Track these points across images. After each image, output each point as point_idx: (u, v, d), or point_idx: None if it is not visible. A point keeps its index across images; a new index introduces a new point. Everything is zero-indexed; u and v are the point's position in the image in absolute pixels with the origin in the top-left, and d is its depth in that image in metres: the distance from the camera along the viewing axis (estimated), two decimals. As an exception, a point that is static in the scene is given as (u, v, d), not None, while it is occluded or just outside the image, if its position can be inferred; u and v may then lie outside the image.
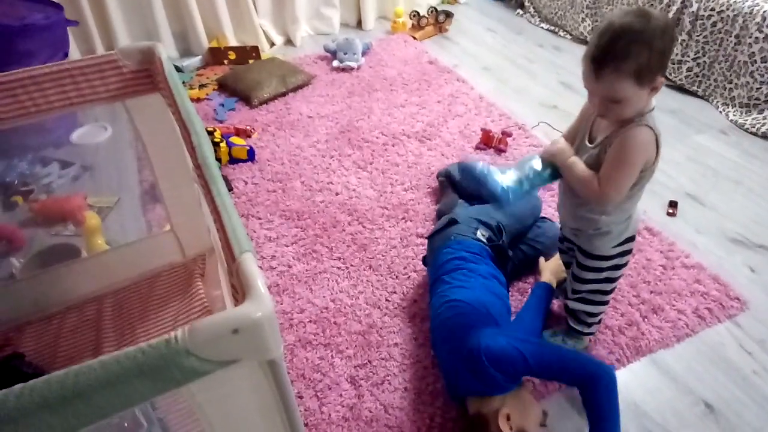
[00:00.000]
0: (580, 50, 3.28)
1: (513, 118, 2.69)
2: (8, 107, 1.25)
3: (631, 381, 1.55)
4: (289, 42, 3.61)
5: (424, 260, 1.83)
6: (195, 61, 3.28)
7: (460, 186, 2.05)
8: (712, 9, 2.62)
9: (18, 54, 2.22)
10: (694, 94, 2.84)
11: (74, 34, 2.84)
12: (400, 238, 2.03)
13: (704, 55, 2.73)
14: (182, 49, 3.37)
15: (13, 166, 2.33)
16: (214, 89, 3.02)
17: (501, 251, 1.68)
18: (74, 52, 2.84)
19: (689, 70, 2.80)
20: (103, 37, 3.08)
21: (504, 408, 1.28)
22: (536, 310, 1.65)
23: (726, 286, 1.79)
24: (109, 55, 1.32)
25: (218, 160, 2.39)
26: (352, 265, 1.93)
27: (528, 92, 2.97)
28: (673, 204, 2.13)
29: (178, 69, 3.15)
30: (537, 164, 1.30)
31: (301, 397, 1.53)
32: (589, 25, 3.38)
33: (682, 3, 2.72)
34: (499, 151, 2.46)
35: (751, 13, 2.48)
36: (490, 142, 2.48)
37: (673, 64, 2.84)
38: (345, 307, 1.78)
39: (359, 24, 3.79)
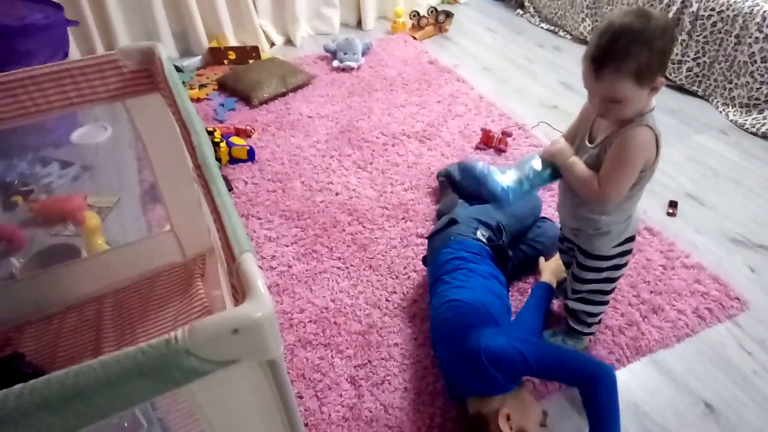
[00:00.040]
0: (580, 50, 3.28)
1: (513, 118, 2.69)
2: (8, 107, 1.25)
3: (631, 381, 1.55)
4: (289, 42, 3.61)
5: (424, 260, 1.83)
6: (195, 61, 3.28)
7: (460, 186, 2.05)
8: (712, 9, 2.62)
9: (18, 54, 2.22)
10: (694, 94, 2.84)
11: (74, 34, 2.84)
12: (400, 238, 2.03)
13: (704, 55, 2.73)
14: (182, 49, 3.37)
15: (13, 166, 2.32)
16: (214, 89, 3.02)
17: (501, 251, 1.68)
18: (74, 52, 2.84)
19: (689, 70, 2.80)
20: (103, 37, 3.08)
21: (504, 408, 1.28)
22: (536, 310, 1.65)
23: (726, 286, 1.78)
24: (109, 55, 1.32)
25: (218, 160, 2.39)
26: (352, 265, 1.93)
27: (528, 92, 2.97)
28: (673, 204, 2.13)
29: (178, 69, 3.15)
30: (537, 164, 1.30)
31: (301, 397, 1.53)
32: (589, 25, 3.38)
33: (682, 3, 2.72)
34: (499, 151, 2.46)
35: (751, 13, 2.48)
36: (490, 142, 2.48)
37: (673, 64, 2.84)
38: (345, 307, 1.78)
39: (359, 24, 3.79)
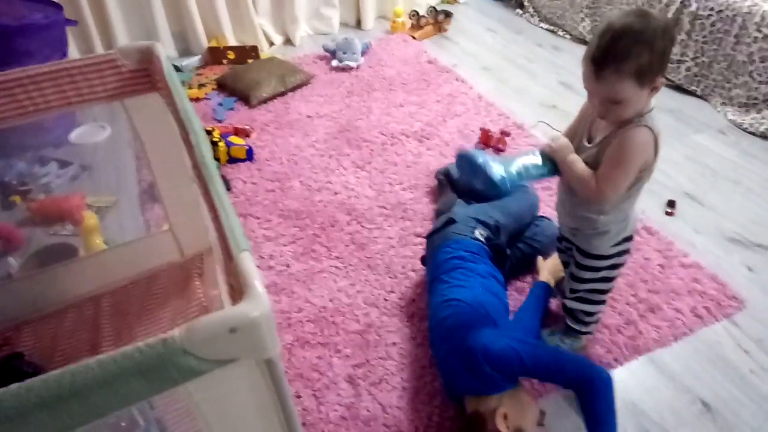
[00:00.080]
0: (580, 50, 3.30)
1: (512, 118, 2.69)
2: (6, 107, 1.25)
3: (629, 380, 1.55)
4: (288, 42, 3.61)
5: (423, 260, 1.83)
6: (194, 60, 3.28)
7: (458, 184, 2.06)
8: (711, 9, 2.63)
9: (17, 53, 2.21)
10: (692, 93, 2.84)
11: (73, 34, 2.84)
12: (399, 238, 2.03)
13: (703, 55, 2.74)
14: (181, 49, 3.37)
15: (12, 166, 2.32)
16: (213, 89, 3.01)
17: (499, 250, 1.68)
18: (73, 52, 2.83)
19: (688, 69, 2.80)
20: (103, 36, 3.08)
21: (501, 407, 1.28)
22: (534, 309, 1.65)
23: (724, 286, 1.79)
24: (107, 55, 1.32)
25: (217, 159, 2.39)
26: (350, 265, 1.93)
27: (527, 92, 2.97)
28: (671, 203, 2.13)
29: (177, 68, 3.14)
30: (537, 159, 1.29)
31: (299, 397, 1.53)
32: (588, 24, 3.38)
33: (681, 2, 2.73)
34: (498, 150, 2.46)
35: (750, 12, 2.48)
36: (489, 142, 2.48)
37: (672, 63, 2.84)
38: (343, 307, 1.78)
39: (358, 24, 3.79)
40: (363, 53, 3.26)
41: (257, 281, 0.67)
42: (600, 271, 1.42)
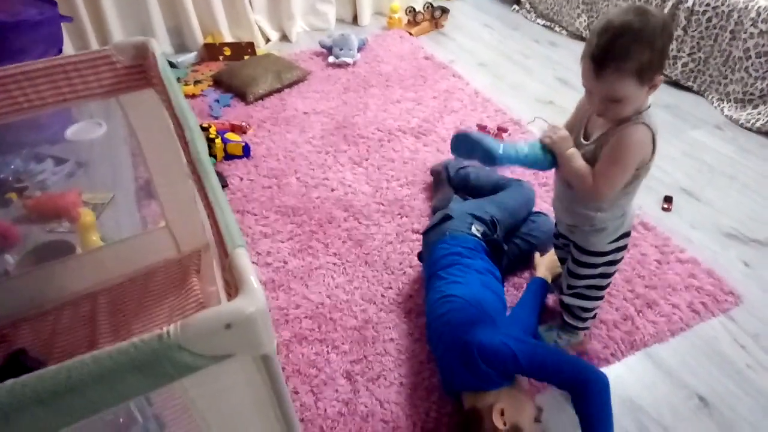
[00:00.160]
0: (576, 46, 3.30)
1: (509, 114, 2.69)
2: (1, 103, 1.25)
3: (626, 375, 1.55)
4: (284, 38, 3.61)
5: (420, 256, 1.83)
6: (190, 57, 3.27)
7: (455, 180, 2.06)
8: (707, 4, 2.63)
9: (11, 50, 2.21)
10: (689, 89, 2.84)
11: (68, 30, 2.83)
12: (396, 234, 2.03)
13: (699, 51, 2.74)
14: (177, 45, 3.36)
15: (8, 163, 2.31)
16: (209, 85, 3.01)
17: (496, 246, 1.68)
18: (68, 49, 2.83)
19: (684, 65, 2.81)
20: (98, 33, 3.07)
21: (498, 403, 1.28)
22: (531, 305, 1.65)
23: (720, 281, 1.79)
24: (102, 51, 1.31)
25: (213, 156, 2.38)
26: (347, 261, 1.93)
27: (524, 88, 2.97)
28: (668, 199, 2.13)
29: (173, 65, 3.14)
30: (537, 148, 1.28)
31: (296, 393, 1.53)
32: (584, 20, 3.38)
33: (677, -2, 2.73)
34: (495, 146, 2.46)
35: (746, 8, 2.48)
36: (486, 138, 2.47)
37: (669, 59, 2.84)
38: (340, 303, 1.78)
39: (355, 20, 3.79)
40: (359, 49, 3.25)
41: (252, 277, 0.67)
42: (597, 268, 1.42)
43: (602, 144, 1.21)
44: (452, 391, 1.43)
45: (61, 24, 2.50)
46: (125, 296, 1.61)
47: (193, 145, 0.94)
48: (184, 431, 1.21)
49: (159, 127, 1.42)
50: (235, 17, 3.41)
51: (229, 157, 2.43)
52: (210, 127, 2.46)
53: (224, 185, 2.27)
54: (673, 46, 2.79)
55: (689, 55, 2.77)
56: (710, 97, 2.75)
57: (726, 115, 2.63)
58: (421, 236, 1.83)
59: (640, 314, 1.70)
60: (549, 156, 1.26)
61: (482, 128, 2.48)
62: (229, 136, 2.47)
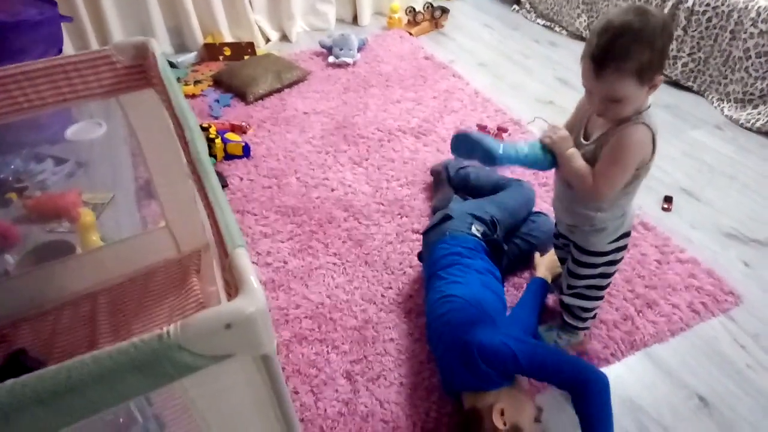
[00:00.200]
0: (576, 46, 3.30)
1: (509, 114, 2.69)
2: (1, 103, 1.25)
3: (626, 375, 1.55)
4: (284, 38, 3.61)
5: (420, 256, 1.83)
6: (190, 57, 3.27)
7: (455, 179, 2.06)
8: (707, 4, 2.63)
9: (11, 50, 2.21)
10: (689, 89, 2.84)
11: (68, 30, 2.83)
12: (396, 234, 2.03)
13: (699, 51, 2.74)
14: (177, 45, 3.36)
15: (8, 163, 2.32)
16: (209, 85, 3.01)
17: (496, 246, 1.68)
18: (68, 49, 2.83)
19: (684, 65, 2.81)
20: (98, 33, 3.07)
21: (498, 403, 1.28)
22: (531, 305, 1.65)
23: (720, 281, 1.79)
24: (102, 51, 1.31)
25: (213, 156, 2.38)
26: (347, 261, 1.93)
27: (524, 88, 2.97)
28: (668, 199, 2.13)
29: (173, 65, 3.14)
30: (537, 148, 1.28)
31: (296, 393, 1.53)
32: (584, 20, 3.38)
33: (677, -2, 2.73)
34: (495, 146, 2.46)
35: (746, 8, 2.48)
36: (486, 138, 2.48)
37: (669, 59, 2.84)
38: (340, 303, 1.78)
39: (355, 20, 3.79)
40: (359, 49, 3.25)
41: (252, 277, 0.67)
42: (597, 268, 1.42)
43: (602, 144, 1.21)
44: (452, 391, 1.43)
45: (61, 24, 2.50)
46: (125, 296, 1.61)
47: (193, 145, 0.94)
48: (184, 431, 1.21)
49: (159, 127, 1.42)
50: (235, 17, 3.41)
51: (229, 157, 2.43)
52: (210, 127, 2.46)
53: (224, 185, 2.27)
54: (673, 46, 2.79)
55: (689, 55, 2.77)
56: (710, 97, 2.75)
57: (726, 115, 2.63)
58: (421, 236, 1.83)
59: (640, 314, 1.70)
60: (549, 156, 1.26)
61: (482, 128, 2.48)
62: (229, 136, 2.47)
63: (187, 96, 2.84)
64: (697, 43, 2.72)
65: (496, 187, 1.95)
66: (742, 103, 2.60)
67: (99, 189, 2.26)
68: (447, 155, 2.39)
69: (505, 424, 1.26)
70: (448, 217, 1.71)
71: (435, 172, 2.21)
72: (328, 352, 1.63)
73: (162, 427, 1.26)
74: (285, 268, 1.91)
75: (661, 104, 2.70)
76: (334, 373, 1.57)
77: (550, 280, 1.73)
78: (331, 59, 3.18)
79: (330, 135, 2.59)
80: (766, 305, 1.73)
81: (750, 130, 2.53)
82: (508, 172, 2.05)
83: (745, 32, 2.48)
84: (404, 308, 1.75)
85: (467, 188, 2.03)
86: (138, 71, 1.35)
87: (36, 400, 0.57)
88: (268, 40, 3.55)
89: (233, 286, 0.69)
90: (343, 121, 2.68)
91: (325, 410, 1.48)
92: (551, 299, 1.74)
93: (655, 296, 1.75)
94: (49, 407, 0.58)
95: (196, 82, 3.01)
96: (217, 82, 3.01)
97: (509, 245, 1.79)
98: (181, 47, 3.35)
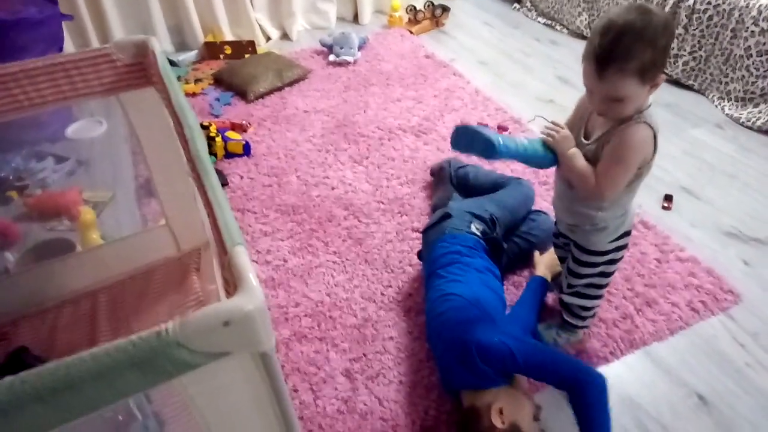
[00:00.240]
0: (577, 44, 3.30)
1: (509, 113, 2.69)
2: (1, 101, 1.25)
3: (626, 374, 1.55)
4: (285, 36, 3.61)
5: (419, 254, 1.83)
6: (190, 55, 3.27)
7: (454, 177, 2.06)
8: (708, 2, 2.62)
9: (11, 48, 2.21)
10: (690, 88, 2.84)
11: (69, 29, 2.83)
12: (396, 233, 2.03)
13: (700, 49, 2.73)
14: (178, 43, 3.36)
15: (8, 161, 2.32)
16: (209, 84, 3.01)
17: (495, 244, 1.68)
18: (69, 47, 2.83)
19: (685, 63, 2.80)
20: (98, 31, 3.07)
21: (497, 402, 1.28)
22: (531, 304, 1.65)
23: (720, 279, 1.79)
24: (102, 49, 1.32)
25: (214, 154, 2.38)
26: (347, 259, 1.93)
27: (524, 86, 2.96)
28: (668, 198, 2.13)
29: (173, 63, 3.14)
30: (538, 144, 1.27)
31: (296, 391, 1.53)
32: (585, 19, 3.37)
33: (678, -3, 2.72)
34: (495, 145, 2.46)
35: (747, 6, 2.48)
36: (486, 137, 2.48)
37: (669, 57, 2.83)
38: (340, 301, 1.78)
39: (356, 18, 3.78)
40: (360, 48, 3.25)
41: (251, 275, 0.67)
42: (597, 267, 1.42)
43: (603, 143, 1.21)
44: (451, 389, 1.43)
45: (62, 22, 2.50)
46: (125, 294, 1.62)
47: (193, 144, 0.95)
48: (183, 429, 1.21)
49: (159, 126, 1.42)
50: (236, 15, 3.41)
51: (229, 155, 2.44)
52: (210, 125, 2.46)
53: (224, 183, 2.27)
54: (674, 44, 2.79)
55: (690, 53, 2.77)
56: (711, 95, 2.75)
57: (727, 114, 2.63)
58: (421, 235, 1.84)
59: (640, 313, 1.70)
60: (550, 154, 1.25)
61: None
62: (230, 134, 2.47)
63: (187, 94, 2.85)
64: (698, 41, 2.72)
65: (495, 186, 1.95)
66: (742, 102, 2.60)
67: (99, 187, 2.26)
68: (447, 153, 2.39)
69: (503, 423, 1.26)
70: (447, 216, 1.71)
71: (435, 171, 2.21)
72: (327, 350, 1.64)
73: (161, 424, 1.26)
74: (285, 267, 1.91)
75: (662, 103, 2.70)
76: (334, 371, 1.58)
77: (549, 279, 1.73)
78: (331, 58, 3.18)
79: (330, 133, 2.59)
80: (765, 304, 1.73)
81: (751, 128, 2.53)
82: (508, 170, 2.05)
83: (746, 31, 2.48)
84: (404, 306, 1.75)
85: (467, 187, 2.03)
86: (138, 69, 1.35)
87: (35, 397, 0.57)
88: (268, 39, 3.55)
89: (232, 283, 0.69)
90: (343, 119, 2.68)
91: (325, 408, 1.49)
92: (551, 298, 1.74)
93: (655, 295, 1.75)
94: (48, 404, 0.58)
95: (197, 81, 3.02)
96: (218, 81, 3.01)
97: (509, 244, 1.79)
98: (181, 45, 3.35)
